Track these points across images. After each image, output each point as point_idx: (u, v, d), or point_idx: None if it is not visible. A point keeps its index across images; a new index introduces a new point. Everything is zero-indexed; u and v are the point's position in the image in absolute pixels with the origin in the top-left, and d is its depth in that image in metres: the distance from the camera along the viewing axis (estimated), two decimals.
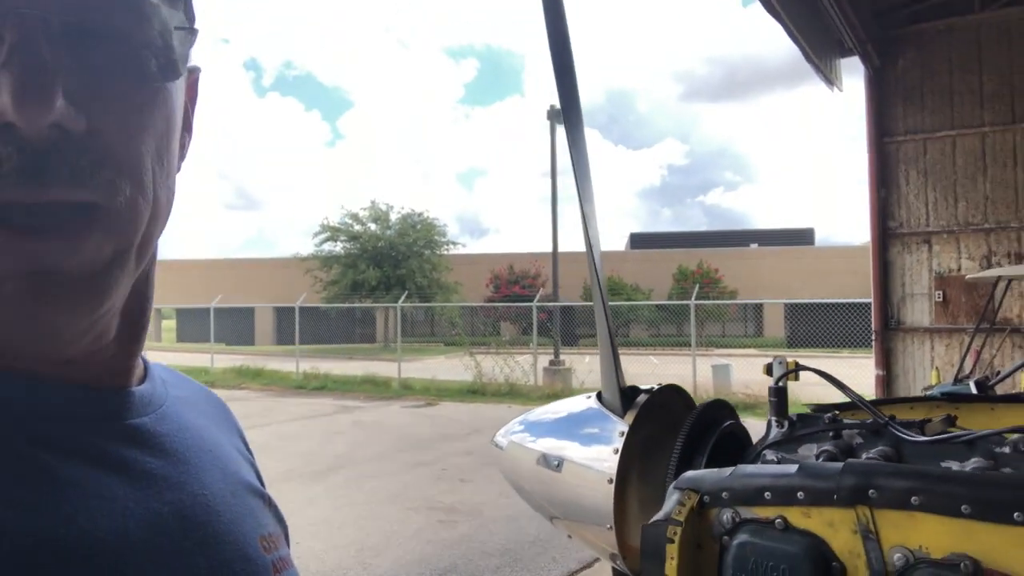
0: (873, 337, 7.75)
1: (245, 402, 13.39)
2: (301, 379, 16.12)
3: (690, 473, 1.08)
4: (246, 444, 0.65)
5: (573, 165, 1.43)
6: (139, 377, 0.50)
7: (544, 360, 15.64)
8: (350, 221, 30.90)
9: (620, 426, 1.41)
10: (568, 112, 1.44)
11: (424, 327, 33.98)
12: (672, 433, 1.42)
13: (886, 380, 7.41)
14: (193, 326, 34.13)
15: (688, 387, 11.45)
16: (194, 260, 44.18)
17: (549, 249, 18.01)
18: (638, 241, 40.71)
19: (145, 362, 0.52)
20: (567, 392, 13.72)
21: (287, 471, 7.41)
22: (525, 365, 14.56)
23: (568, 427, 1.57)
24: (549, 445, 1.59)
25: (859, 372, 8.47)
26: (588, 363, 15.89)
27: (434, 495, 6.43)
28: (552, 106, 17.87)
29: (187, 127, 0.50)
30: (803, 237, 37.33)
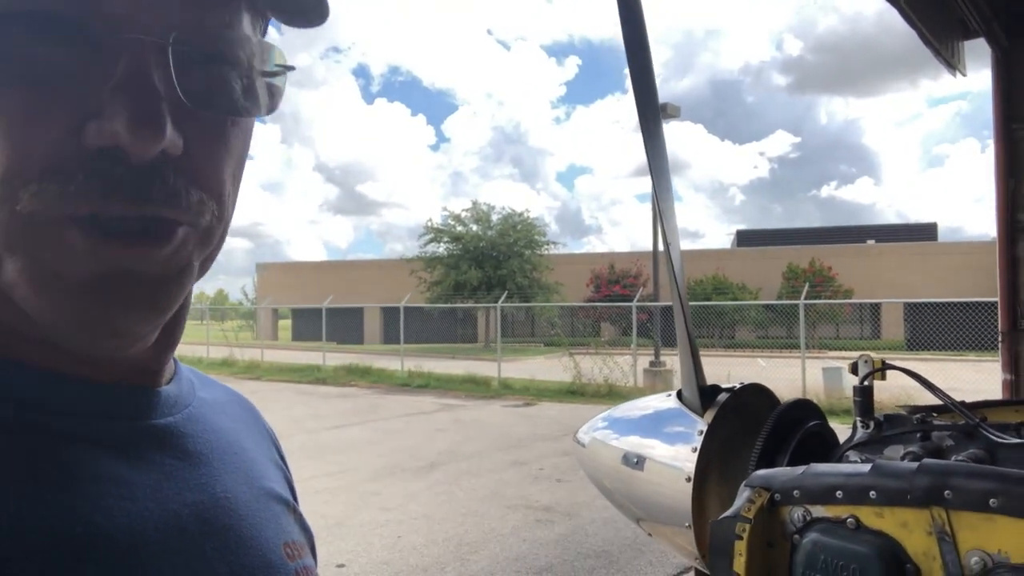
0: (1000, 339, 7.21)
1: (354, 399, 13.93)
2: (406, 377, 16.61)
3: (761, 471, 1.07)
4: (279, 450, 0.64)
5: (649, 162, 1.43)
6: (167, 378, 0.50)
7: (644, 361, 15.45)
8: (452, 222, 31.55)
9: (699, 425, 1.40)
10: (644, 108, 1.44)
11: (524, 327, 34.23)
12: (753, 433, 1.39)
13: (1014, 385, 6.87)
14: (307, 325, 35.76)
15: (797, 391, 11.05)
16: (308, 262, 46.29)
17: (650, 248, 17.78)
18: (745, 238, 39.48)
19: (175, 363, 0.52)
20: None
21: (391, 466, 7.67)
22: (624, 366, 14.41)
23: (649, 425, 1.57)
24: (630, 443, 1.59)
25: (986, 376, 7.90)
26: None
27: (531, 494, 6.49)
28: None
29: None
30: (925, 232, 35.05)
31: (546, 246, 32.01)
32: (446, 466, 7.70)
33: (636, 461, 1.52)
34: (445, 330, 29.81)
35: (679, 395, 1.53)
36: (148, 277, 0.40)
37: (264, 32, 0.47)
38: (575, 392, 14.12)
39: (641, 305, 17.20)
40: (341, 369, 18.12)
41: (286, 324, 43.66)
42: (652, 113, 1.48)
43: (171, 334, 0.48)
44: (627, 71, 1.49)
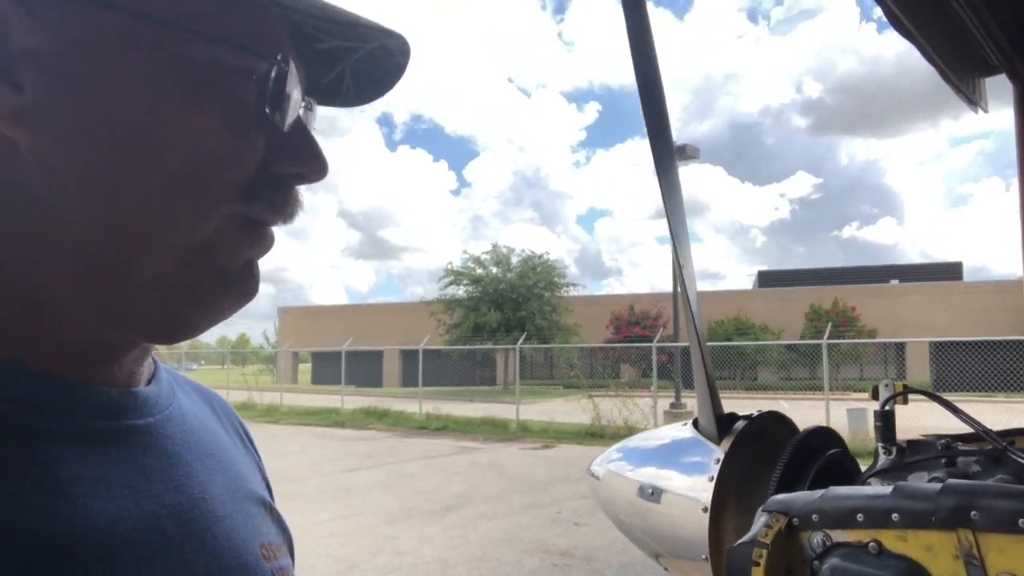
0: None
1: (372, 441, 13.84)
2: (424, 420, 16.50)
3: (779, 495, 1.02)
4: (255, 449, 0.65)
5: (663, 194, 1.41)
6: (147, 378, 0.50)
7: (664, 403, 15.25)
8: (472, 265, 31.70)
9: (716, 453, 1.36)
10: (657, 144, 1.43)
11: (543, 369, 34.03)
12: (772, 461, 1.35)
13: None
14: (327, 368, 35.83)
15: None
16: (329, 306, 46.58)
17: (670, 289, 17.70)
18: (767, 279, 39.21)
19: (155, 364, 0.53)
20: None
21: (407, 509, 7.56)
22: (645, 408, 14.23)
23: (664, 455, 1.52)
24: (646, 474, 1.55)
25: (1017, 417, 7.69)
26: None
27: (548, 538, 6.35)
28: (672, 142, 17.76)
29: None
30: (950, 272, 34.59)
31: (565, 288, 32.01)
32: (462, 509, 7.57)
33: (651, 492, 1.47)
34: (464, 372, 29.70)
35: (695, 424, 1.49)
36: (256, 264, 0.48)
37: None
38: (594, 434, 13.93)
39: (661, 346, 17.05)
40: (359, 412, 18.06)
41: (306, 368, 43.77)
42: (665, 147, 1.47)
43: None
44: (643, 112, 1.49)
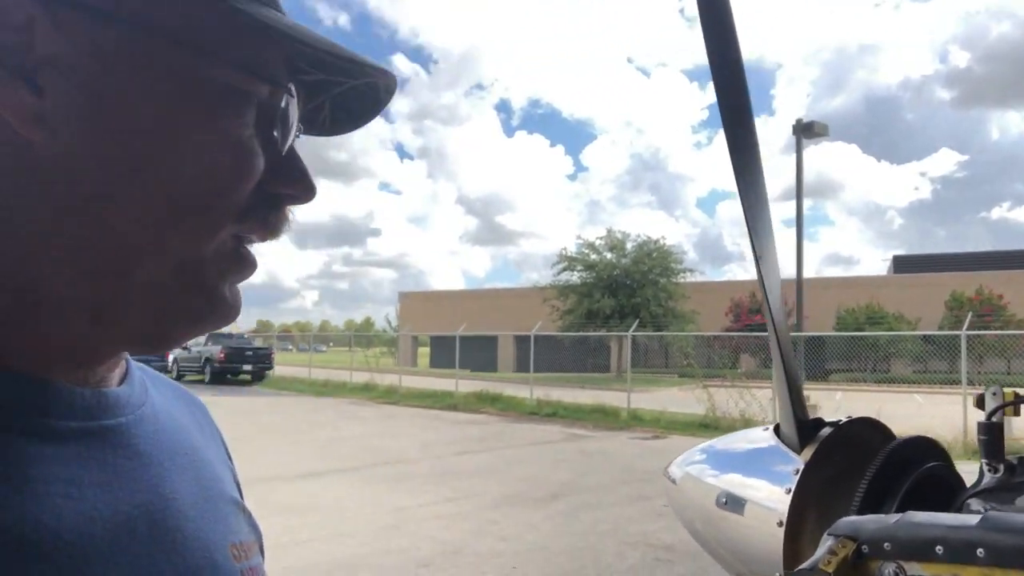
0: None
1: (483, 425, 14.06)
2: (534, 406, 16.58)
3: (849, 518, 0.90)
4: (227, 450, 0.65)
5: (737, 180, 1.29)
6: (119, 378, 0.50)
7: None
8: (587, 250, 31.49)
9: (796, 463, 1.23)
10: (734, 124, 1.30)
11: (658, 357, 33.39)
12: (859, 474, 1.21)
13: None
14: (444, 352, 36.73)
15: (957, 430, 10.01)
16: (447, 291, 47.73)
17: (795, 275, 16.86)
18: (903, 264, 36.70)
19: (128, 364, 0.53)
20: None
21: (513, 495, 7.61)
22: (763, 400, 13.65)
23: (744, 462, 1.40)
24: (725, 481, 1.43)
25: None
26: (839, 400, 14.54)
27: (653, 531, 6.20)
28: (799, 120, 16.80)
29: None
30: None
31: (682, 274, 31.22)
32: (567, 497, 7.54)
33: (727, 502, 1.36)
34: (576, 359, 29.62)
35: (776, 429, 1.36)
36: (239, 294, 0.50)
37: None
38: (708, 426, 13.51)
39: None
40: (472, 396, 18.39)
41: (426, 351, 45.07)
42: (742, 121, 1.33)
43: None
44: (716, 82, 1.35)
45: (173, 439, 0.52)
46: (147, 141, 0.42)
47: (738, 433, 1.52)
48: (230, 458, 0.64)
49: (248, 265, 0.49)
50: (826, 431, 1.28)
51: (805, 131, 16.80)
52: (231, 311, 0.48)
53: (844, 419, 1.33)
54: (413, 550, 5.61)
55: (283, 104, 0.47)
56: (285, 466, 9.19)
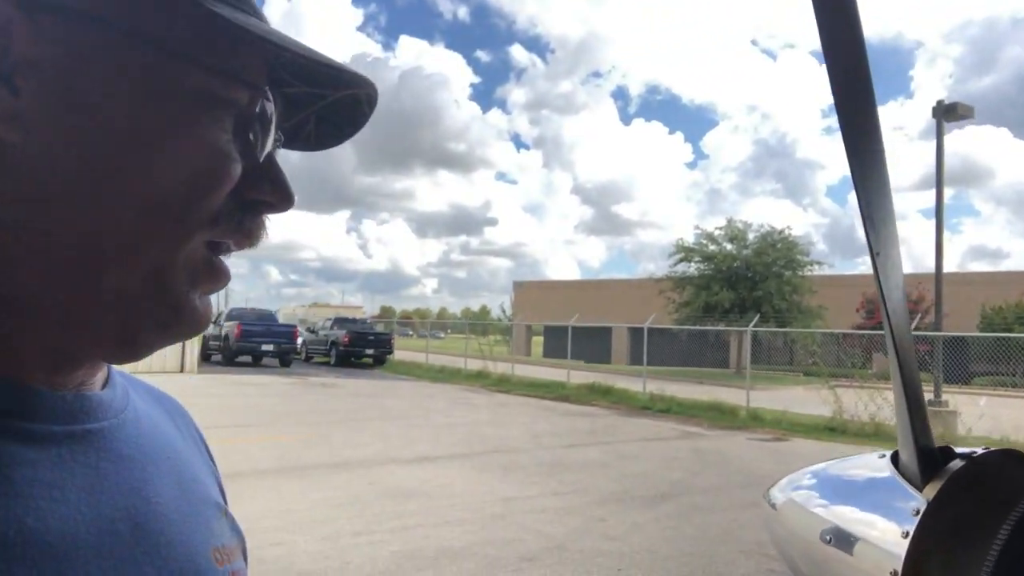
0: None
1: (593, 418, 13.93)
2: (647, 400, 16.26)
3: None
4: (210, 454, 0.66)
5: (852, 169, 1.13)
6: (102, 382, 0.51)
7: None
8: (705, 241, 30.52)
9: (915, 501, 1.06)
10: (851, 99, 1.14)
11: (782, 354, 31.94)
12: (997, 521, 1.03)
13: None
14: (557, 342, 36.80)
15: None
16: (561, 280, 47.73)
17: (937, 269, 15.61)
18: None
19: (109, 368, 0.53)
20: (946, 439, 11.67)
21: (621, 492, 7.46)
22: None
23: (856, 492, 1.24)
24: (832, 513, 1.28)
25: None
26: (983, 405, 13.34)
27: (769, 540, 5.89)
28: (939, 102, 15.47)
29: None
30: None
31: (809, 267, 29.66)
32: (678, 498, 7.30)
33: (833, 538, 1.20)
34: (693, 353, 28.80)
35: (895, 458, 1.19)
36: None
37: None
38: (834, 429, 12.77)
39: (921, 335, 15.14)
40: (584, 387, 18.27)
41: (539, 340, 45.32)
42: (859, 99, 1.16)
43: None
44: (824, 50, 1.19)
45: (155, 443, 0.53)
46: (121, 144, 0.42)
47: (853, 458, 1.35)
48: (213, 461, 0.65)
49: (220, 276, 0.48)
50: (956, 464, 1.10)
51: (947, 113, 15.43)
52: (199, 322, 0.47)
53: (980, 450, 1.14)
54: (518, 542, 5.60)
55: (260, 109, 0.47)
56: (400, 449, 9.46)
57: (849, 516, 1.20)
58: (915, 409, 1.11)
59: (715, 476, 8.52)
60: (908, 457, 1.12)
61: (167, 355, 19.89)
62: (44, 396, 0.45)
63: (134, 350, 0.46)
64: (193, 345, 20.96)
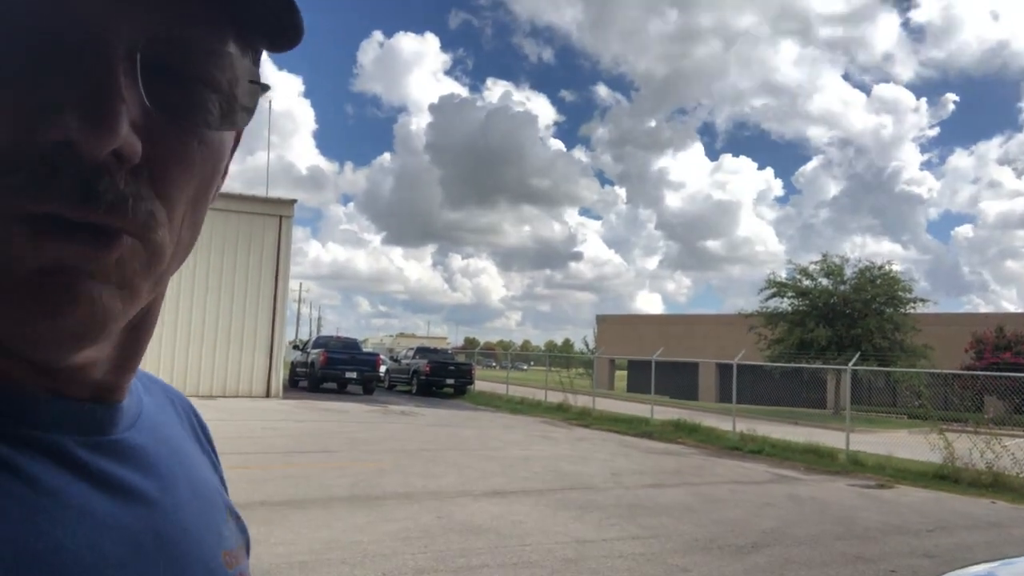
0: None
1: (679, 457, 13.26)
2: (737, 440, 15.38)
3: None
4: (211, 443, 0.65)
5: None
6: (123, 391, 0.49)
7: None
8: (799, 276, 29.20)
9: None
10: None
11: (884, 395, 29.98)
12: None
13: None
14: (641, 377, 35.85)
15: None
16: (645, 315, 46.81)
17: None
18: None
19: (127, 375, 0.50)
20: None
21: (707, 539, 6.90)
22: (1016, 451, 11.54)
23: None
24: None
25: None
26: None
27: None
28: None
29: (224, 172, 0.50)
30: None
31: (912, 304, 27.87)
32: (771, 548, 6.67)
33: None
34: (787, 392, 27.33)
35: None
36: (93, 279, 0.39)
37: (256, 57, 0.47)
38: (945, 477, 11.66)
39: None
40: (669, 424, 17.52)
41: (623, 375, 44.40)
42: None
43: (131, 353, 0.48)
44: None
45: (169, 447, 0.53)
46: None
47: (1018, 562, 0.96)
48: (215, 452, 0.64)
49: (67, 238, 0.38)
50: None
51: None
52: (54, 304, 0.38)
53: None
54: None
55: (46, 19, 0.37)
56: (473, 482, 9.17)
57: None
58: None
59: (812, 525, 7.80)
60: None
61: (253, 380, 20.41)
62: (68, 407, 0.44)
63: (46, 336, 0.39)
64: (279, 371, 21.42)
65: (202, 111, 0.42)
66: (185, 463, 0.54)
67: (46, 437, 0.42)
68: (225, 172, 0.51)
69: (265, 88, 0.46)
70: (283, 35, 0.45)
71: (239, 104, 0.44)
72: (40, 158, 0.36)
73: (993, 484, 11.18)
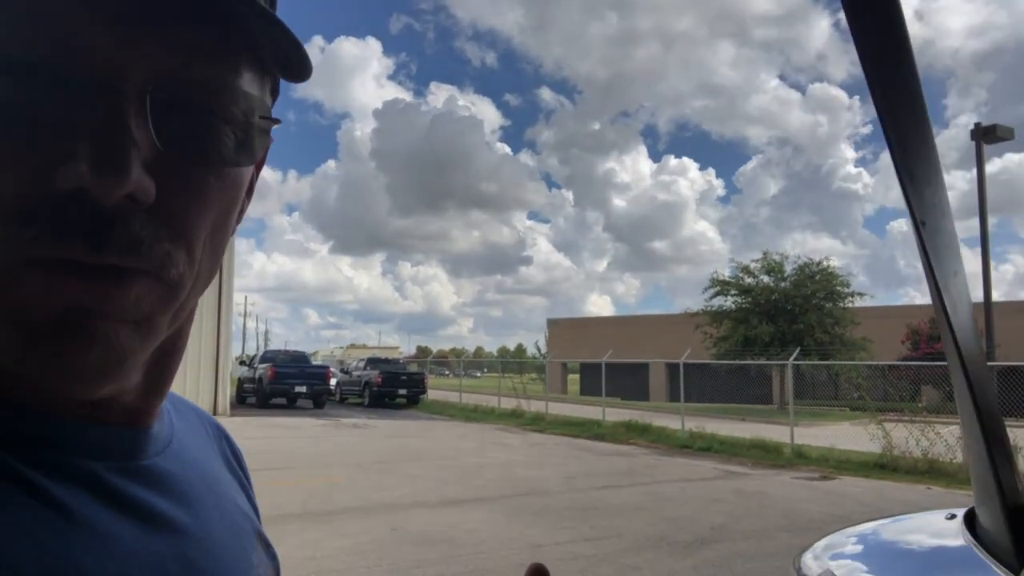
0: None
1: (630, 458, 13.47)
2: (686, 438, 15.70)
3: None
4: (243, 468, 0.65)
5: (905, 190, 0.88)
6: (153, 415, 0.50)
7: None
8: (741, 274, 29.95)
9: None
10: (901, 122, 0.89)
11: (826, 388, 30.93)
12: None
13: None
14: (593, 380, 36.17)
15: None
16: (595, 317, 47.29)
17: (985, 299, 14.94)
18: None
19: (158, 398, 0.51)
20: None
21: (658, 537, 7.05)
22: (950, 438, 12.08)
23: (917, 568, 0.96)
24: None
25: None
26: None
27: None
28: (977, 124, 14.98)
29: (249, 192, 0.50)
30: None
31: (850, 298, 28.85)
32: (719, 544, 6.87)
33: None
34: (733, 389, 27.99)
35: (970, 519, 0.90)
36: (110, 318, 0.39)
37: (274, 87, 0.48)
38: (885, 466, 12.13)
39: None
40: (620, 426, 17.77)
41: (576, 378, 44.73)
42: (911, 106, 0.91)
43: (160, 379, 0.48)
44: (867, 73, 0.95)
45: (200, 474, 0.53)
46: None
47: (908, 518, 1.07)
48: (247, 478, 0.64)
49: (83, 282, 0.38)
50: None
51: (986, 135, 14.90)
52: (69, 347, 0.39)
53: None
54: None
55: (56, 63, 0.38)
56: (427, 492, 9.17)
57: None
58: (998, 455, 0.82)
59: (759, 519, 8.04)
60: (991, 519, 0.83)
61: (200, 398, 19.94)
62: (98, 434, 0.44)
63: (67, 376, 0.40)
64: (226, 387, 20.99)
65: (215, 146, 0.42)
66: (215, 488, 0.54)
67: (77, 463, 0.43)
68: (251, 190, 0.51)
69: (276, 122, 0.46)
70: (291, 68, 0.46)
71: (252, 137, 0.44)
72: (54, 207, 0.37)
73: (929, 470, 11.67)
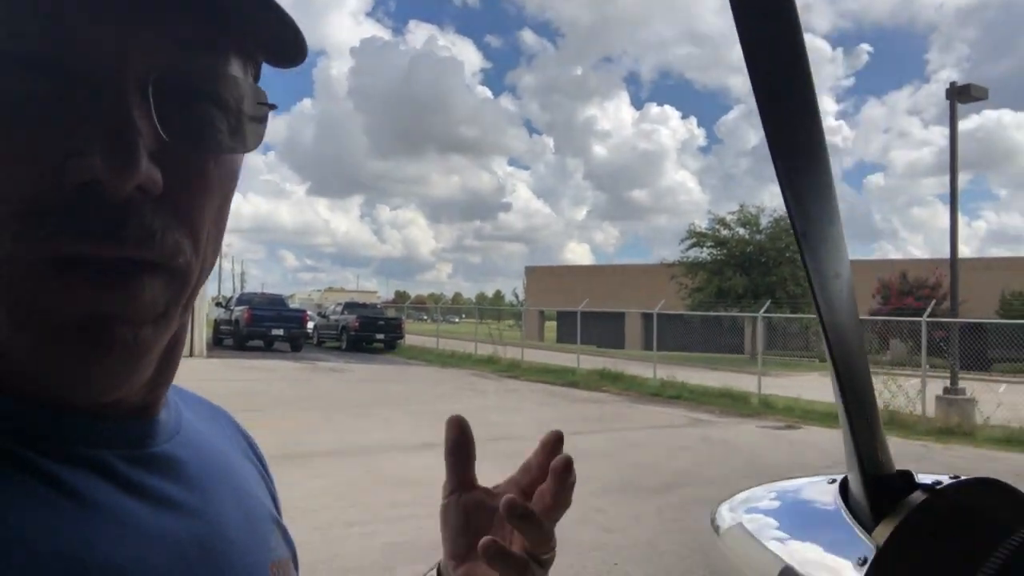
0: None
1: (601, 405, 13.80)
2: (658, 386, 16.09)
3: None
4: (263, 462, 0.66)
5: (772, 148, 0.97)
6: (159, 404, 0.50)
7: (937, 386, 13.26)
8: (718, 226, 30.18)
9: (863, 543, 0.90)
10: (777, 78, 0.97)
11: (797, 340, 31.58)
12: (970, 564, 0.87)
13: None
14: (570, 328, 36.60)
15: None
16: (574, 265, 47.50)
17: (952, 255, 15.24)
18: None
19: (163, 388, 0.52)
20: (963, 428, 11.41)
21: (624, 482, 7.34)
22: (910, 391, 12.49)
23: (806, 525, 1.08)
24: (786, 550, 1.11)
25: None
26: (1003, 392, 13.08)
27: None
28: (953, 83, 15.02)
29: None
30: None
31: None
32: (682, 489, 7.17)
33: None
34: (706, 339, 28.51)
35: (844, 487, 1.02)
36: (130, 323, 0.40)
37: (256, 74, 0.48)
38: None
39: (936, 321, 14.84)
40: (593, 373, 18.13)
41: (553, 326, 45.18)
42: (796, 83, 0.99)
43: (167, 370, 0.49)
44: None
45: (213, 461, 0.53)
46: None
47: (803, 481, 1.19)
48: (266, 469, 0.65)
49: (48, 296, 0.39)
50: (917, 496, 0.94)
51: (960, 95, 14.95)
52: (95, 353, 0.40)
53: (947, 479, 0.97)
54: None
55: (59, 58, 0.38)
56: (403, 436, 9.39)
57: (800, 555, 1.04)
58: (862, 423, 0.93)
59: (723, 466, 8.37)
60: (857, 487, 0.95)
61: None
62: (108, 424, 0.45)
63: (83, 380, 0.41)
64: (202, 329, 21.00)
65: (214, 134, 0.42)
66: (229, 476, 0.54)
67: (89, 452, 0.43)
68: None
69: (272, 107, 0.46)
70: (285, 54, 0.47)
71: (249, 124, 0.45)
72: (67, 203, 0.38)
73: (889, 422, 12.08)
